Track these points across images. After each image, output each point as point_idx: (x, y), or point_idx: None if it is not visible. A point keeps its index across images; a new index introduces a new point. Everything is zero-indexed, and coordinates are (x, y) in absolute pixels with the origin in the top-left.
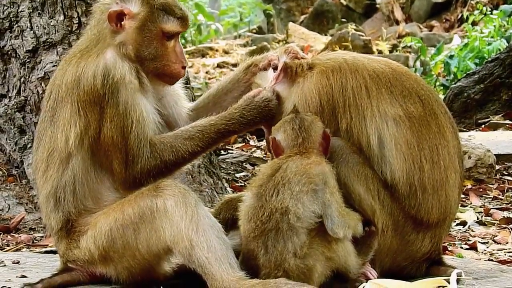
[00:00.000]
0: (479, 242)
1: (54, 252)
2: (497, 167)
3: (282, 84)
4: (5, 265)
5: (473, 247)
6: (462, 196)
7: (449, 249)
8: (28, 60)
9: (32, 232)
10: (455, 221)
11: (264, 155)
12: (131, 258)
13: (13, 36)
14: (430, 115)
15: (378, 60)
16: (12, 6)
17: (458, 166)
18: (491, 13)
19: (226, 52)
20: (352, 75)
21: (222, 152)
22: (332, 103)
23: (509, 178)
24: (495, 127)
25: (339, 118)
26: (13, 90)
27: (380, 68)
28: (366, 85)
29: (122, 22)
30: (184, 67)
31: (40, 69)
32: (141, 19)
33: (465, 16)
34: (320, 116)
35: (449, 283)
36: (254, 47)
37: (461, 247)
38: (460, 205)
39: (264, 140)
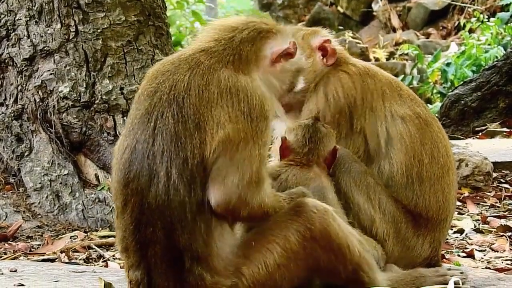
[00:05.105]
0: (476, 250)
1: (52, 260)
2: (494, 175)
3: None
4: (2, 274)
5: (470, 255)
6: (459, 204)
7: (446, 257)
8: (25, 68)
9: (29, 240)
10: (452, 229)
11: None
12: None
13: (10, 44)
14: (432, 117)
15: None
16: (9, 15)
17: (454, 168)
18: (488, 21)
19: None
20: (371, 80)
21: None
22: (354, 106)
23: (506, 186)
24: (492, 134)
25: (354, 120)
26: (10, 98)
27: (390, 75)
28: (382, 89)
29: None
30: None
31: (37, 77)
32: None
33: (462, 24)
34: (338, 116)
35: None
36: None
37: (459, 255)
38: (457, 213)
39: None
